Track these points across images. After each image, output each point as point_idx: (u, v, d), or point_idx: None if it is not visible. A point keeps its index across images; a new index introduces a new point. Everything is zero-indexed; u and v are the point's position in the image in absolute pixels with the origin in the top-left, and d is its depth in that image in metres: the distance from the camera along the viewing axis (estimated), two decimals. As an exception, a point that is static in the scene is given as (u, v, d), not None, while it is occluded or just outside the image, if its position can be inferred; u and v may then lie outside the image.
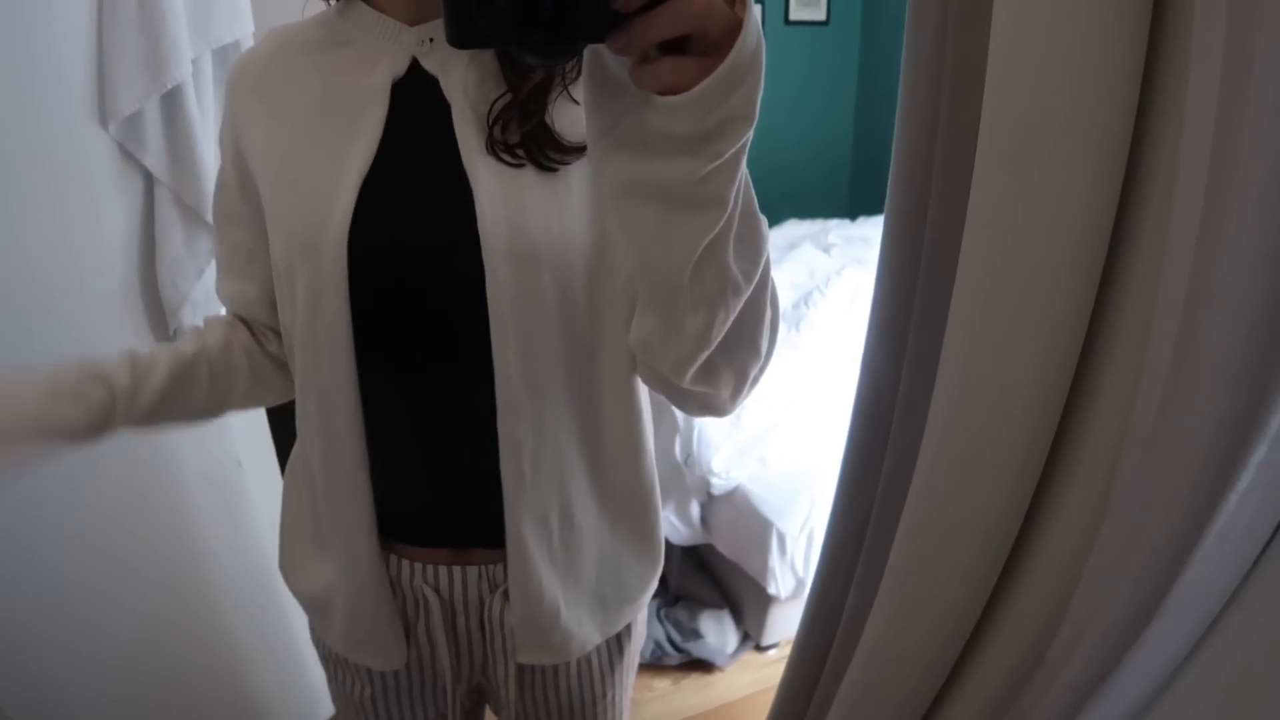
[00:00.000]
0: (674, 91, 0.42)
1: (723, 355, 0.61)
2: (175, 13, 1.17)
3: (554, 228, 0.67)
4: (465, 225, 0.66)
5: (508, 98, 0.67)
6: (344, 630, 0.86)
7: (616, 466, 0.80)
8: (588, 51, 0.44)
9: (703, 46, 0.41)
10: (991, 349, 0.64)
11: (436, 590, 0.83)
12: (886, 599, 0.78)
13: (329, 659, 0.95)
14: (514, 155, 0.66)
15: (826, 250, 2.84)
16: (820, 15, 3.96)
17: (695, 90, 0.41)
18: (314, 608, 0.90)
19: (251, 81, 0.74)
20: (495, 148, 0.66)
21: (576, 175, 0.68)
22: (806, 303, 2.34)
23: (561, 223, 0.68)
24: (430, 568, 0.82)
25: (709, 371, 0.63)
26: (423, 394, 0.75)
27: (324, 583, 0.85)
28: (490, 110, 0.67)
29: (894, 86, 0.69)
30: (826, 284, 2.41)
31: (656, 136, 0.45)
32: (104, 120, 1.18)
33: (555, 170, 0.67)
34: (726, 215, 0.48)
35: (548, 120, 0.67)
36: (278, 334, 0.82)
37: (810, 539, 1.82)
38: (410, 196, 0.69)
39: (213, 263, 1.10)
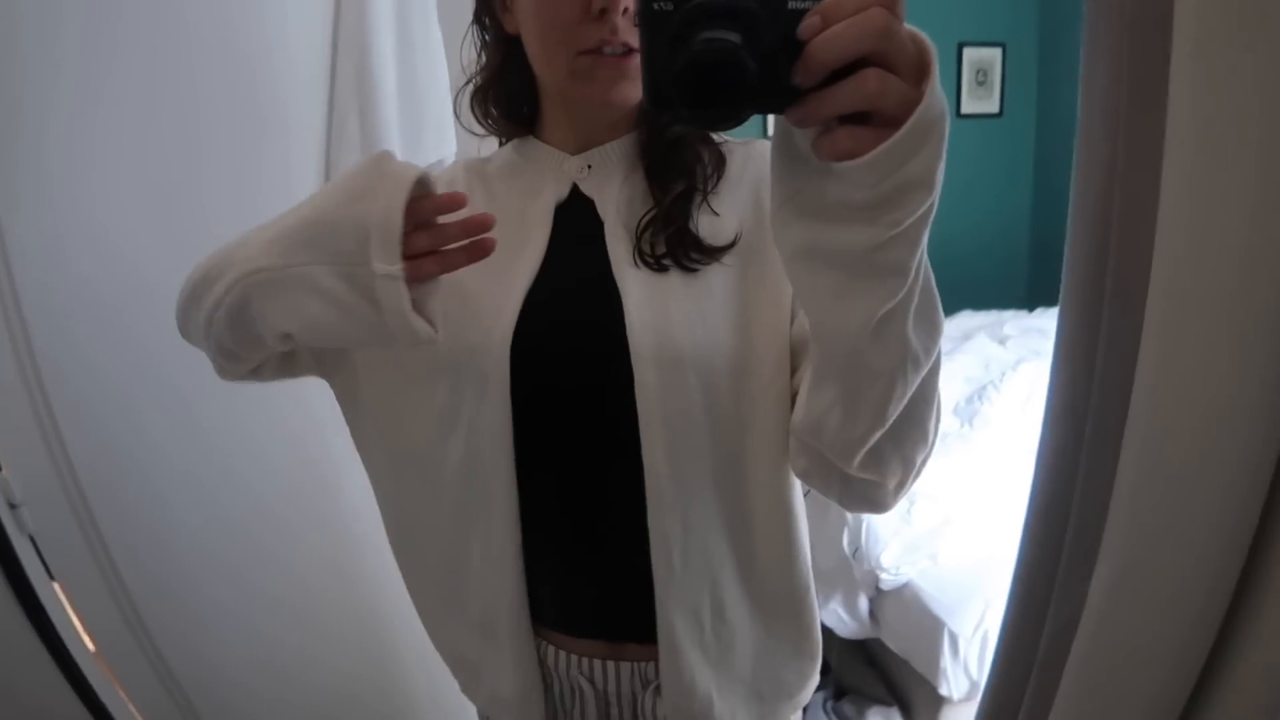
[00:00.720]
0: (852, 159, 0.43)
1: (891, 441, 0.61)
2: (391, 135, 1.38)
3: (698, 332, 0.71)
4: (616, 332, 0.71)
5: (654, 212, 0.74)
6: (491, 695, 0.89)
7: (768, 563, 0.81)
8: (776, 124, 0.47)
9: (881, 120, 0.42)
10: (1168, 462, 0.60)
11: (591, 682, 0.85)
12: (1063, 711, 0.74)
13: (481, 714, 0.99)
14: (659, 263, 0.72)
15: (1002, 342, 2.79)
16: (993, 108, 3.97)
17: (869, 155, 0.42)
18: (461, 668, 0.93)
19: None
20: (642, 257, 0.73)
21: (718, 281, 0.73)
22: (980, 397, 2.32)
23: (705, 327, 0.72)
24: (585, 660, 0.84)
25: (877, 458, 0.63)
26: (576, 489, 0.78)
27: (473, 651, 0.88)
28: (639, 224, 0.74)
29: (1070, 177, 0.68)
30: (1002, 378, 2.38)
31: (835, 204, 0.46)
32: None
33: (697, 271, 0.72)
34: (907, 286, 0.48)
35: (690, 226, 0.73)
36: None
37: (985, 640, 1.77)
38: (568, 306, 0.75)
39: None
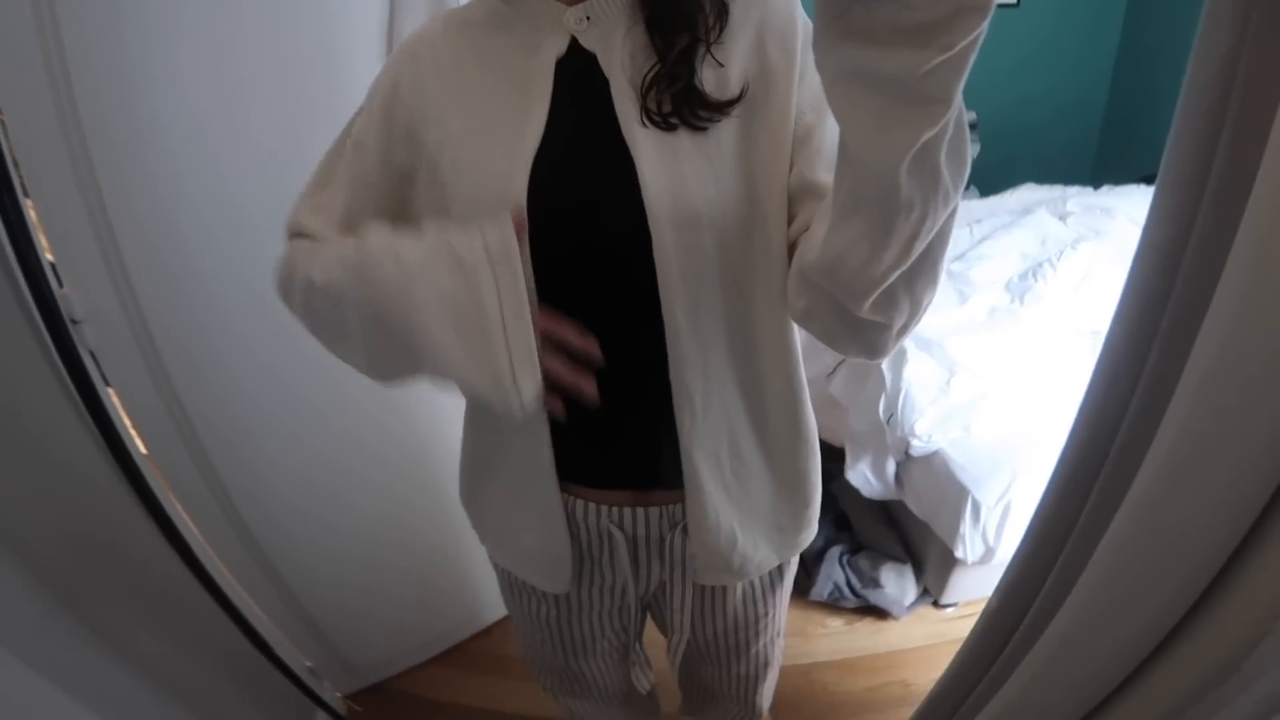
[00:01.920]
0: None
1: (905, 280, 0.61)
2: None
3: (711, 190, 0.71)
4: (631, 195, 0.71)
5: (658, 67, 0.71)
6: (517, 556, 0.96)
7: (776, 407, 0.85)
8: None
9: None
10: (1247, 357, 0.59)
11: (621, 529, 0.90)
12: (1090, 584, 0.78)
13: (508, 582, 1.05)
14: (667, 122, 0.71)
15: (1063, 219, 2.69)
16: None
17: None
18: (490, 536, 1.00)
19: (427, 62, 0.78)
20: (649, 116, 0.71)
21: (726, 135, 0.72)
22: (1035, 274, 2.27)
23: (718, 185, 0.72)
24: (615, 509, 0.89)
25: (889, 299, 0.63)
26: (604, 349, 0.77)
27: (501, 515, 0.94)
28: (644, 81, 0.71)
29: (1166, 38, 0.64)
30: (1059, 255, 2.31)
31: (885, 27, 0.44)
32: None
33: (705, 129, 0.71)
34: (949, 113, 0.47)
35: (696, 83, 0.71)
36: None
37: (1006, 511, 1.82)
38: (579, 170, 0.73)
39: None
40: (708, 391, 0.80)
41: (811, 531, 0.98)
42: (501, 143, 0.73)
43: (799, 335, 0.85)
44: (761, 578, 1.00)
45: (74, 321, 1.10)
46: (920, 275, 0.62)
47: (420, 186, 0.81)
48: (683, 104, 0.71)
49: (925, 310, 0.66)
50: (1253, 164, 0.55)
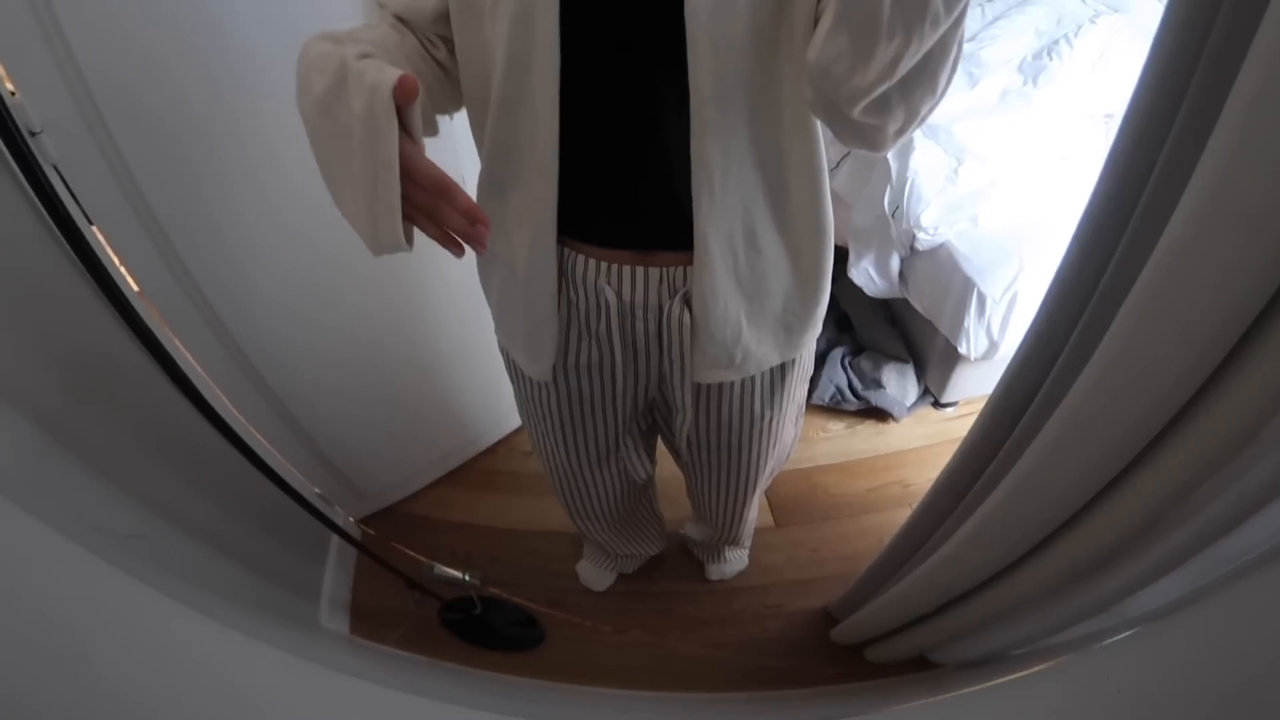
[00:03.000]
0: None
1: (899, 90, 0.60)
2: None
3: None
4: None
5: None
6: (512, 331, 0.94)
7: (798, 196, 0.82)
8: None
9: None
10: (1269, 146, 0.54)
11: (617, 291, 0.87)
12: (1104, 359, 0.76)
13: (514, 370, 1.05)
14: None
15: (1080, -5, 2.49)
16: None
17: None
18: (495, 312, 0.98)
19: None
20: None
21: None
22: (1050, 53, 2.11)
23: None
24: (613, 267, 0.86)
25: (882, 104, 0.62)
26: (621, 108, 0.77)
27: (504, 285, 0.92)
28: None
29: None
30: (1077, 32, 2.14)
31: None
32: None
33: None
34: None
35: None
36: (444, 41, 0.82)
37: (1012, 303, 1.78)
38: None
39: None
40: (727, 168, 0.77)
41: (816, 330, 0.97)
42: None
43: None
44: (762, 374, 0.98)
45: (32, 133, 0.99)
46: (916, 86, 0.61)
47: None
48: None
49: (926, 116, 0.65)
50: None
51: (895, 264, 1.94)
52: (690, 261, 0.83)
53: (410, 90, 0.61)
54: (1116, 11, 2.32)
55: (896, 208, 1.85)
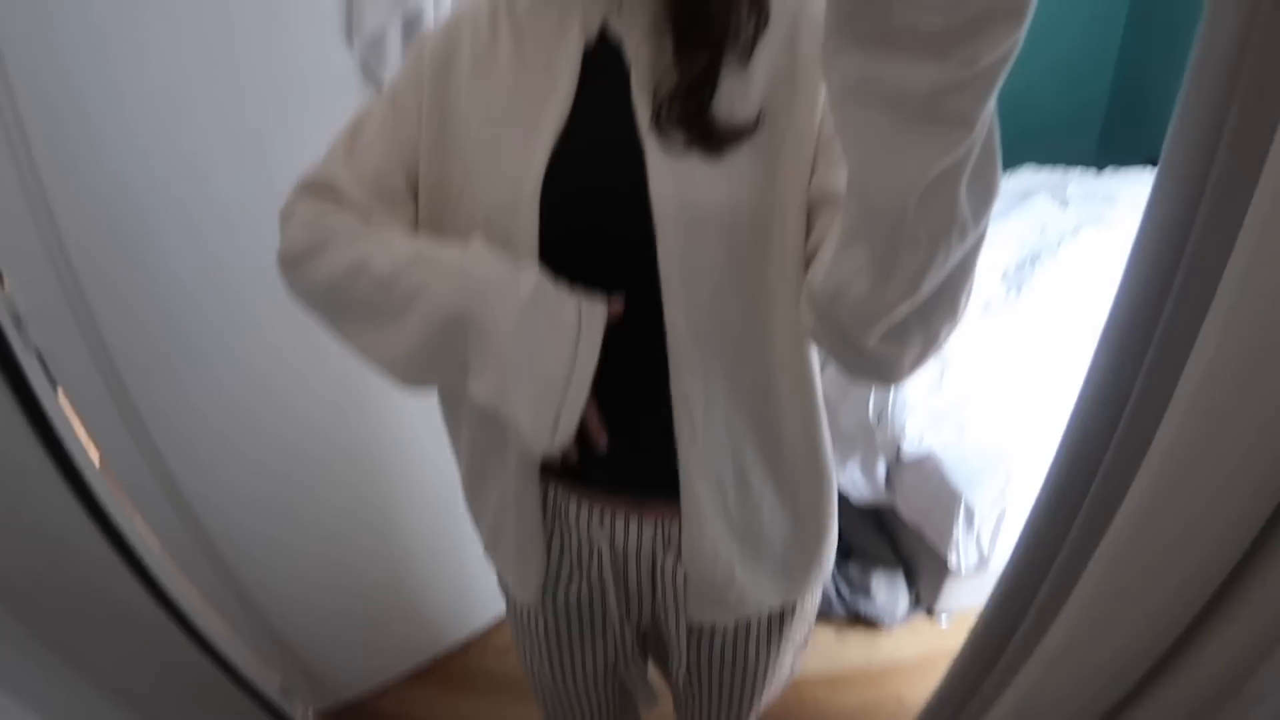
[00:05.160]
0: None
1: (918, 315, 0.56)
2: None
3: (722, 194, 0.68)
4: (639, 193, 0.68)
5: (675, 79, 0.68)
6: (503, 555, 0.91)
7: (793, 436, 0.80)
8: None
9: None
10: (1249, 360, 0.55)
11: (610, 540, 0.85)
12: (1084, 597, 0.74)
13: (505, 590, 1.01)
14: (679, 136, 0.68)
15: (1064, 205, 2.59)
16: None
17: None
18: (487, 538, 0.95)
19: (467, 34, 0.78)
20: (661, 128, 0.68)
21: (747, 148, 0.68)
22: (1033, 263, 2.16)
23: (731, 189, 0.68)
24: (605, 515, 0.84)
25: (900, 331, 0.57)
26: (601, 349, 0.75)
27: (497, 512, 0.89)
28: (657, 90, 0.69)
29: (1176, 13, 0.61)
30: (1059, 244, 2.21)
31: (901, 31, 0.39)
32: (350, 39, 1.28)
33: (719, 153, 0.68)
34: (970, 141, 0.42)
35: (709, 109, 0.67)
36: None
37: (1001, 516, 1.74)
38: (593, 164, 0.72)
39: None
40: (709, 404, 0.75)
41: (821, 573, 0.92)
42: (522, 131, 0.73)
43: None
44: (760, 617, 0.93)
45: (19, 321, 1.03)
46: (937, 309, 0.56)
47: (435, 157, 0.79)
48: (696, 128, 0.68)
49: (943, 343, 0.60)
50: (1260, 151, 0.51)
51: (881, 470, 1.91)
52: None
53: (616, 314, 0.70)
54: (1098, 223, 2.40)
55: (881, 414, 1.84)
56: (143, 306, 1.23)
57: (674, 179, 0.68)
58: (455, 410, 0.89)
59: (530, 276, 0.69)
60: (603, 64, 0.73)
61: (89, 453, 1.18)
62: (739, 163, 0.68)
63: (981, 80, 0.39)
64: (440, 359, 0.72)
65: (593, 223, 0.72)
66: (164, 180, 1.19)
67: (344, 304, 0.75)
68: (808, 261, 0.69)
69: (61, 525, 1.10)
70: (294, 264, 0.76)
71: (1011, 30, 0.37)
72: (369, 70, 1.32)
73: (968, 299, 0.58)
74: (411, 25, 1.30)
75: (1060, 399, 1.83)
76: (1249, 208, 0.52)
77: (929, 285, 0.51)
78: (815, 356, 0.78)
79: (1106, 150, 3.66)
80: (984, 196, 0.47)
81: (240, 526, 1.51)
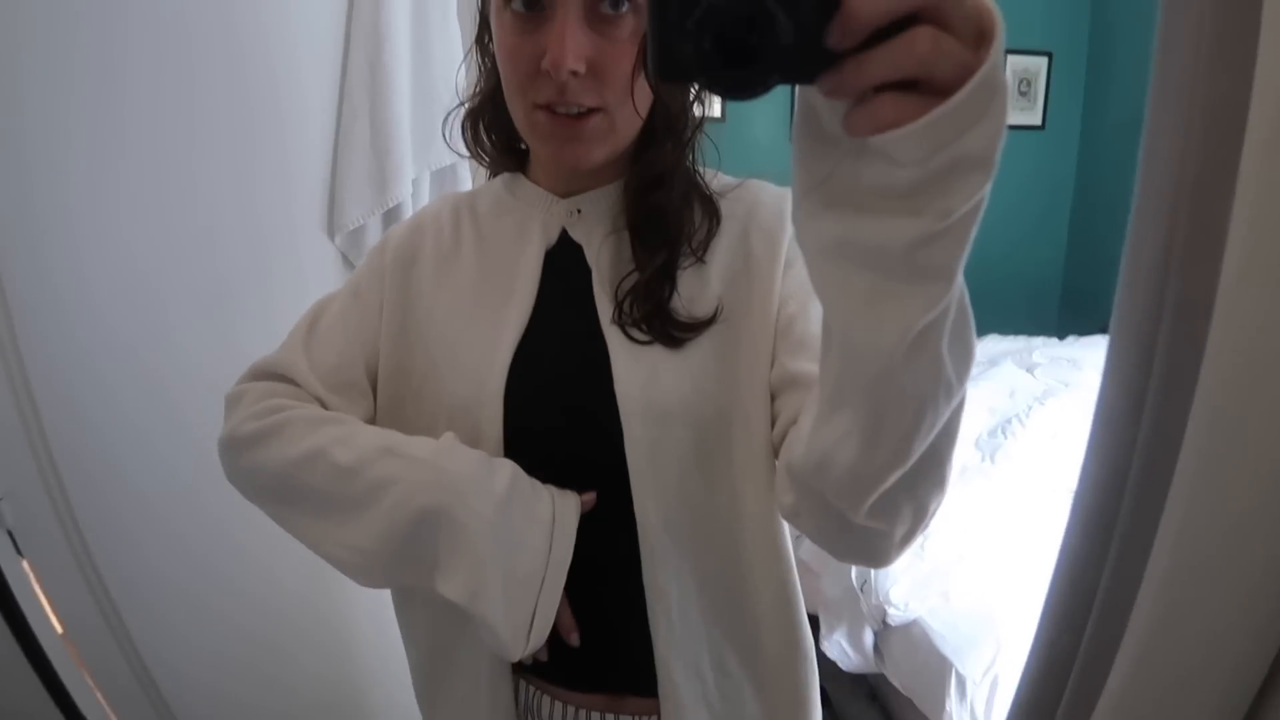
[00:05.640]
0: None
1: (906, 483, 0.53)
2: (403, 137, 1.33)
3: (686, 388, 0.70)
4: (605, 390, 0.70)
5: (635, 277, 0.72)
6: None
7: (767, 621, 0.79)
8: (798, 100, 0.40)
9: (932, 89, 0.35)
10: (1217, 516, 0.55)
11: None
12: None
13: None
14: (641, 331, 0.71)
15: (1030, 370, 2.71)
16: (1035, 119, 3.87)
17: (921, 120, 0.35)
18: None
19: (430, 235, 0.81)
20: (623, 326, 0.71)
21: (708, 341, 0.72)
22: (1004, 431, 2.25)
23: (694, 381, 0.71)
24: (583, 712, 0.81)
25: (888, 503, 0.54)
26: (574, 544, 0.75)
27: (457, 704, 0.84)
28: (619, 288, 0.72)
29: (1115, 197, 0.65)
30: (1028, 411, 2.30)
31: (873, 190, 0.39)
32: (331, 232, 1.35)
33: (680, 345, 0.71)
34: (949, 295, 0.41)
35: (669, 302, 0.71)
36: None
37: (994, 685, 1.70)
38: (557, 362, 0.74)
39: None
40: (684, 595, 0.74)
41: None
42: (485, 330, 0.75)
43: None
44: None
45: None
46: (924, 478, 0.54)
47: (396, 348, 0.79)
48: (654, 320, 0.71)
49: (931, 516, 0.59)
50: (1210, 288, 0.52)
51: (869, 638, 1.90)
52: None
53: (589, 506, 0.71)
54: (1067, 387, 2.51)
55: (865, 581, 1.85)
56: (117, 486, 1.23)
57: (638, 373, 0.70)
58: (410, 600, 0.85)
59: (505, 471, 0.69)
60: (564, 262, 0.77)
61: (53, 625, 1.16)
62: (700, 355, 0.71)
63: (957, 231, 0.38)
64: (408, 556, 0.68)
65: (559, 417, 0.74)
66: (141, 361, 1.20)
67: (295, 492, 0.72)
68: (776, 448, 0.70)
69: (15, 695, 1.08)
70: (241, 447, 0.73)
71: (982, 180, 0.37)
72: (348, 260, 1.38)
73: (951, 468, 0.56)
74: (391, 220, 1.37)
75: (1044, 562, 1.85)
76: (1200, 368, 0.53)
77: (918, 447, 0.49)
78: (788, 540, 0.79)
79: (1066, 319, 3.87)
80: (964, 355, 0.46)
81: (205, 704, 1.46)
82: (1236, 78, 0.49)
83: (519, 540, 0.67)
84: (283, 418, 0.72)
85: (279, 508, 0.74)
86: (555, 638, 0.71)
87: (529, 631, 0.67)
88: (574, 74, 0.63)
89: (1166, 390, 0.63)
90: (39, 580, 1.16)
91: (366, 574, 0.71)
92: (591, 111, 0.67)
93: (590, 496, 0.71)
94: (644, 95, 0.69)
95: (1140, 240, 0.65)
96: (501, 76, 0.70)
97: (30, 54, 1.01)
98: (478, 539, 0.65)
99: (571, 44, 0.63)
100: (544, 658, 0.71)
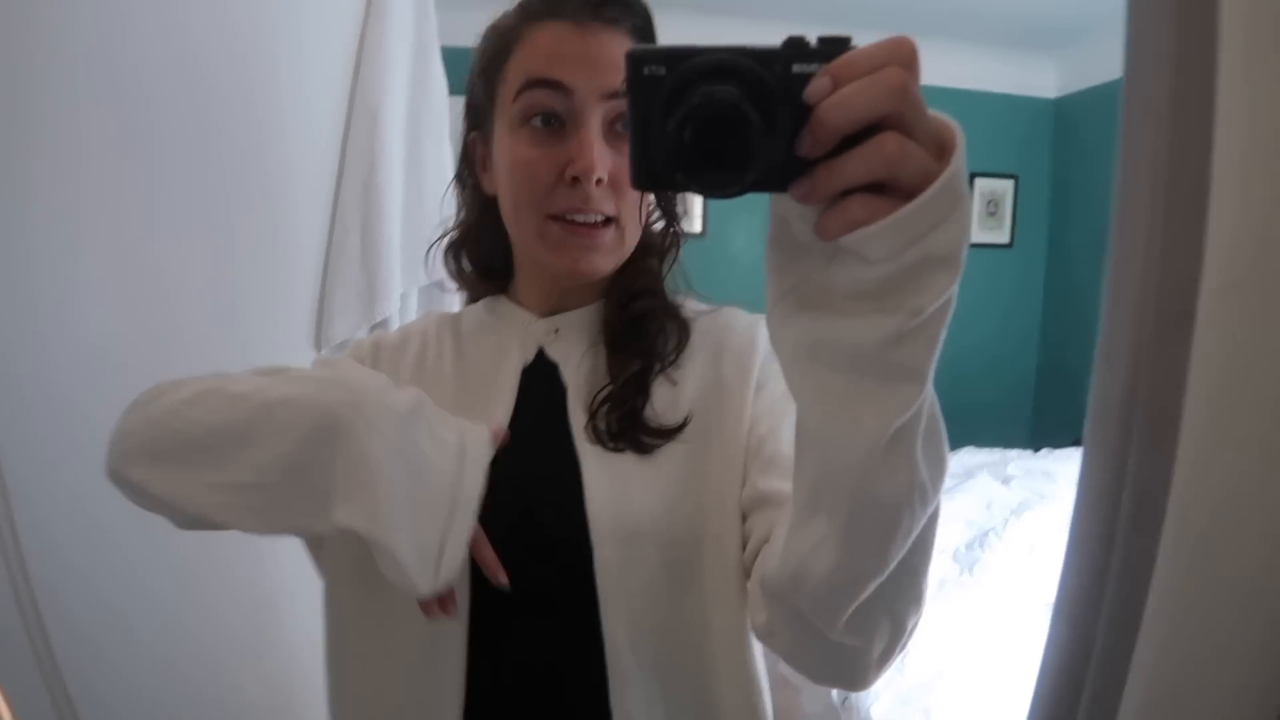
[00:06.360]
0: None
1: (882, 597, 0.52)
2: (393, 255, 1.38)
3: (656, 504, 0.71)
4: (576, 508, 0.70)
5: (609, 387, 0.74)
6: None
7: None
8: (770, 211, 0.43)
9: (899, 193, 0.37)
10: (1196, 627, 0.56)
11: None
12: None
13: None
14: (614, 441, 0.72)
15: (1006, 482, 2.73)
16: (1004, 239, 4.03)
17: (889, 218, 0.37)
18: None
19: (414, 350, 0.83)
20: (596, 435, 0.73)
21: (677, 452, 0.73)
22: (981, 544, 2.25)
23: (665, 502, 0.71)
24: None
25: (865, 618, 0.53)
26: (535, 664, 0.74)
27: None
28: (593, 400, 0.74)
29: (1082, 314, 0.65)
30: (1005, 524, 2.31)
31: (845, 291, 0.41)
32: (318, 344, 1.36)
33: (650, 453, 0.72)
34: (921, 396, 0.42)
35: (642, 408, 0.73)
36: None
37: (981, 810, 1.66)
38: (529, 479, 0.73)
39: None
40: (651, 715, 0.73)
41: None
42: None
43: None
44: None
45: None
46: (901, 591, 0.53)
47: None
48: (627, 428, 0.72)
49: (910, 635, 0.58)
50: (1178, 398, 0.54)
51: (852, 758, 1.84)
52: None
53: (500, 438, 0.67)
54: (1043, 499, 2.53)
55: (846, 698, 1.81)
56: (109, 646, 1.16)
57: (609, 488, 0.71)
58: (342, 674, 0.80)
59: (410, 390, 0.65)
60: (540, 379, 0.78)
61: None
62: (671, 467, 0.72)
63: (929, 329, 0.40)
64: (301, 480, 0.61)
65: (529, 531, 0.72)
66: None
67: (175, 436, 0.64)
68: (747, 569, 0.70)
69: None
70: (128, 413, 0.67)
71: (950, 278, 0.38)
72: None
73: (927, 584, 0.56)
74: (378, 329, 1.38)
75: (1025, 675, 1.81)
76: (1170, 484, 0.55)
77: (895, 555, 0.48)
78: (761, 663, 0.77)
79: (1040, 432, 3.93)
80: (937, 464, 0.46)
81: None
82: (1193, 207, 0.52)
83: (423, 459, 0.62)
84: (181, 379, 0.67)
85: (149, 469, 0.64)
86: (485, 585, 0.66)
87: (439, 560, 0.59)
88: (598, 181, 0.68)
89: (1138, 515, 0.64)
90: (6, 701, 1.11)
91: (257, 514, 0.63)
92: (608, 221, 0.71)
93: (500, 428, 0.67)
94: (645, 210, 0.74)
95: (1108, 366, 0.67)
96: (508, 192, 0.74)
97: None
98: (378, 454, 0.59)
99: (600, 151, 0.68)
100: (452, 614, 0.64)
